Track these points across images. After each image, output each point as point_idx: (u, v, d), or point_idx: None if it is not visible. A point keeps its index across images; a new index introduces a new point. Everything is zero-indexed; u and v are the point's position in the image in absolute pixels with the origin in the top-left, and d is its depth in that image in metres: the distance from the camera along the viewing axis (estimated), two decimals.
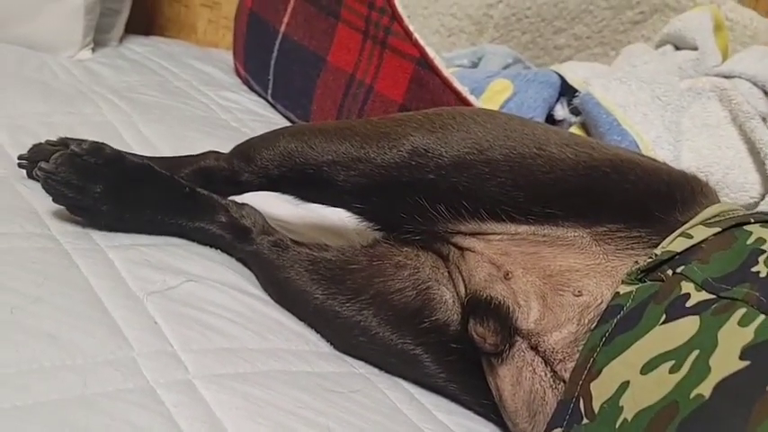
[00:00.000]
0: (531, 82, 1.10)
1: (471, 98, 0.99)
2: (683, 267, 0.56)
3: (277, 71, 1.18)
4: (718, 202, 0.70)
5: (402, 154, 0.66)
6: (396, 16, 1.02)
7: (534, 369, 0.59)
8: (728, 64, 1.10)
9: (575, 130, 1.02)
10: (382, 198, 0.68)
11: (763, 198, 0.96)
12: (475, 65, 1.41)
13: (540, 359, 0.59)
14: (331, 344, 0.66)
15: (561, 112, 1.07)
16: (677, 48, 1.19)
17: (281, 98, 1.18)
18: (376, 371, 0.65)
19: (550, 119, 1.08)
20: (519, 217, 0.66)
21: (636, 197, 0.66)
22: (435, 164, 0.66)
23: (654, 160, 0.74)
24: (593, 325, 0.56)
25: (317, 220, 0.86)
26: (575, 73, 1.11)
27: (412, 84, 1.02)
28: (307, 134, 0.71)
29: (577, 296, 0.59)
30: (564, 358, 0.57)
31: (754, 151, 0.98)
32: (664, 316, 0.53)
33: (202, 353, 0.56)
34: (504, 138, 0.68)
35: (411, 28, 1.02)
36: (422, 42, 1.01)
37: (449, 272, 0.68)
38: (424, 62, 1.01)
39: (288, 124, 1.18)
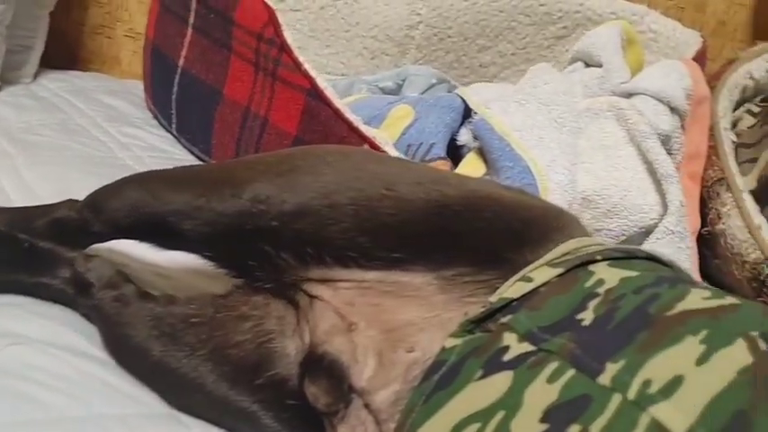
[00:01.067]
0: (433, 107, 1.07)
1: (363, 128, 0.97)
2: (509, 317, 0.54)
3: (178, 105, 1.15)
4: (581, 236, 0.67)
5: (243, 201, 0.64)
6: (284, 47, 1.00)
7: (366, 429, 0.56)
8: (634, 81, 1.08)
9: (473, 156, 0.99)
10: (229, 246, 0.66)
11: (661, 218, 0.93)
12: (399, 86, 1.39)
13: (372, 419, 0.56)
14: (168, 403, 0.62)
15: (465, 136, 1.05)
16: (587, 65, 1.17)
17: (184, 133, 1.16)
18: (215, 430, 0.61)
19: (453, 144, 1.05)
20: (366, 263, 0.63)
21: (488, 237, 0.63)
22: (278, 211, 0.63)
23: (522, 194, 0.71)
24: (417, 382, 0.53)
25: (190, 263, 0.83)
26: (480, 95, 1.08)
27: (304, 115, 0.99)
28: (152, 182, 0.69)
29: (409, 352, 0.56)
30: (387, 418, 0.54)
31: (652, 171, 0.95)
32: (480, 371, 0.50)
33: (10, 426, 0.53)
34: (354, 179, 0.66)
35: (301, 59, 0.99)
36: (312, 73, 0.99)
37: (298, 321, 0.65)
38: (315, 93, 0.98)
39: (192, 160, 1.16)
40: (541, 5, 1.43)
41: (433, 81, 1.37)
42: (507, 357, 0.50)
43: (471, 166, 0.97)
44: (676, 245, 0.91)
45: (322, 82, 0.99)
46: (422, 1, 1.43)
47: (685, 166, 1.10)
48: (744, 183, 1.09)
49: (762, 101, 1.23)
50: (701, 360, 0.43)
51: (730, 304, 0.50)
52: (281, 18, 1.01)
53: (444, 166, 1.04)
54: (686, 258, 0.92)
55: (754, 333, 0.45)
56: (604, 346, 0.48)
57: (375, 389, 0.55)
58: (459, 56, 1.47)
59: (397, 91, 1.38)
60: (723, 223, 1.02)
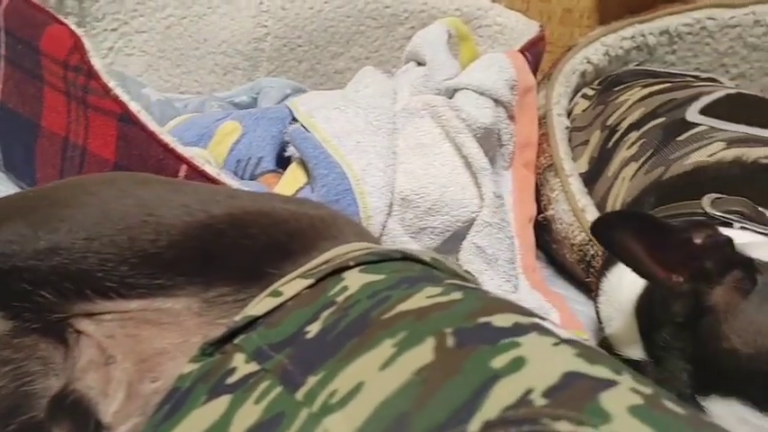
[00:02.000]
0: (260, 120, 1.06)
1: (180, 149, 0.95)
2: (242, 336, 0.53)
3: (2, 141, 1.11)
4: (359, 241, 0.66)
5: None
6: (92, 73, 0.97)
7: None
8: (459, 76, 1.09)
9: (294, 166, 0.98)
10: None
11: (480, 210, 0.94)
12: (254, 100, 1.38)
13: None
14: None
15: (292, 148, 1.04)
16: (419, 64, 1.17)
17: (10, 169, 1.12)
18: None
19: (281, 156, 1.04)
20: (128, 292, 0.61)
21: (252, 253, 0.62)
22: (32, 249, 0.61)
23: (300, 205, 0.71)
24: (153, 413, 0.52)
25: None
26: (309, 104, 1.08)
27: (119, 141, 0.97)
28: None
29: (153, 382, 0.55)
30: None
31: (469, 166, 0.96)
32: (205, 397, 0.49)
33: None
34: (115, 208, 0.64)
35: (110, 84, 0.97)
36: (123, 97, 0.97)
37: (65, 360, 0.63)
38: (127, 117, 0.96)
39: None
40: (387, 8, 1.44)
41: (288, 92, 1.37)
42: (231, 380, 0.49)
43: (293, 177, 0.96)
44: (495, 236, 0.92)
45: (135, 106, 0.96)
46: (267, 13, 1.42)
47: (519, 155, 1.12)
48: (575, 166, 1.10)
49: (598, 84, 1.25)
50: (386, 364, 0.43)
51: (448, 300, 0.50)
52: (87, 44, 0.98)
53: (275, 179, 1.03)
54: (507, 248, 0.93)
55: (449, 329, 0.45)
56: (314, 358, 0.47)
57: (118, 423, 0.54)
58: (312, 64, 1.47)
59: (252, 105, 1.37)
60: (552, 208, 1.04)
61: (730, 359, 0.64)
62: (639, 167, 0.96)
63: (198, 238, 0.63)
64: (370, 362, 0.44)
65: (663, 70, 1.28)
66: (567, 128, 1.17)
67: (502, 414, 0.38)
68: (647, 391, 0.41)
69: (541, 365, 0.42)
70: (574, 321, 0.92)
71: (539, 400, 0.39)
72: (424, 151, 0.96)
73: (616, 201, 0.96)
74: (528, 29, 1.37)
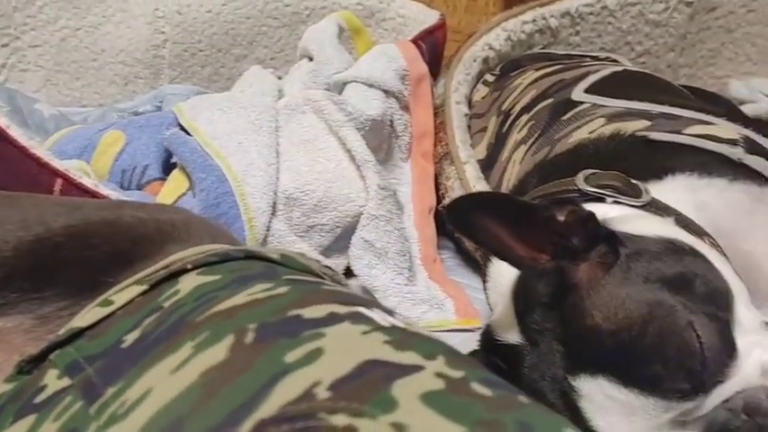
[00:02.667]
0: (144, 127, 1.03)
1: (55, 163, 0.91)
2: (59, 351, 0.50)
3: None
4: (213, 243, 0.64)
5: None
6: None
7: None
8: (349, 70, 1.07)
9: (176, 172, 0.95)
10: None
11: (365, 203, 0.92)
12: (158, 108, 1.34)
13: None
14: None
15: None
16: (311, 59, 1.15)
17: None
18: None
19: (170, 162, 1.01)
20: None
21: (92, 264, 0.59)
22: None
23: (151, 212, 0.68)
24: None
25: None
26: (194, 108, 1.05)
27: None
28: None
29: None
30: None
31: (354, 159, 0.94)
32: (11, 418, 0.46)
33: None
34: None
35: None
36: None
37: None
38: None
39: None
40: (287, 6, 1.42)
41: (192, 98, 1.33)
42: (40, 398, 0.46)
43: (175, 184, 0.93)
44: (382, 229, 0.90)
45: (4, 121, 0.93)
46: (163, 19, 1.38)
47: (417, 145, 1.10)
48: (474, 153, 1.09)
49: (498, 70, 1.24)
50: (178, 367, 0.41)
51: (267, 296, 0.48)
52: None
53: (162, 186, 1.00)
54: (397, 240, 0.91)
55: (252, 325, 0.43)
56: (119, 368, 0.44)
57: None
58: (216, 68, 1.44)
59: None
60: (449, 197, 1.02)
61: (594, 336, 0.62)
62: (528, 149, 0.95)
63: (33, 253, 0.60)
64: (166, 366, 0.41)
65: (562, 53, 1.28)
66: (467, 115, 1.15)
67: (280, 410, 0.36)
68: (456, 374, 0.39)
69: (338, 356, 0.40)
70: (469, 310, 0.90)
71: (322, 393, 0.36)
72: (308, 147, 0.93)
73: (508, 185, 0.95)
74: (431, 19, 1.36)
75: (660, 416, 0.61)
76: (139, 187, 1.00)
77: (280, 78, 1.17)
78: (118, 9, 1.39)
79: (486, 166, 1.07)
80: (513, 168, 0.96)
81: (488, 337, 0.75)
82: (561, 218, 0.66)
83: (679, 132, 0.82)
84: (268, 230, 0.89)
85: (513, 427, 0.36)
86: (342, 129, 0.93)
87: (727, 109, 1.34)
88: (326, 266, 0.66)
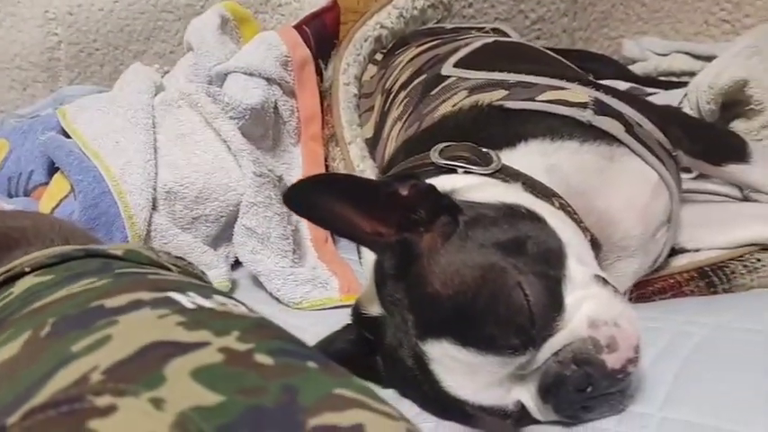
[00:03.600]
0: (28, 133, 1.04)
1: None
2: None
3: None
4: (66, 245, 0.66)
5: None
6: None
7: None
8: (229, 60, 1.08)
9: (58, 175, 0.96)
10: None
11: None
12: None
13: None
14: None
15: None
16: None
17: None
18: None
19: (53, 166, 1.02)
20: None
21: None
22: None
23: (6, 218, 0.69)
24: None
25: None
26: (78, 109, 1.05)
27: None
28: None
29: None
30: None
31: (237, 149, 0.96)
32: None
33: None
34: None
35: None
36: None
37: None
38: None
39: None
40: None
41: None
42: None
43: (57, 187, 0.94)
44: (262, 215, 0.92)
45: None
46: (55, 20, 1.38)
47: (305, 130, 1.12)
48: (361, 133, 1.11)
49: (387, 49, 1.26)
50: None
51: (83, 290, 0.50)
52: None
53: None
54: (278, 224, 0.93)
55: (52, 319, 0.45)
56: None
57: None
58: (116, 66, 1.43)
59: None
60: None
61: (435, 302, 0.66)
62: (402, 126, 0.98)
63: None
64: None
65: (451, 26, 1.30)
66: (356, 95, 1.18)
67: (51, 397, 0.38)
68: (243, 347, 0.42)
69: (123, 341, 0.42)
70: (353, 286, 0.93)
71: (96, 377, 0.39)
72: (185, 141, 0.95)
73: (383, 162, 0.98)
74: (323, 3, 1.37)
75: (499, 371, 0.65)
76: (27, 193, 1.01)
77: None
78: (8, 14, 1.38)
79: (373, 144, 1.09)
80: (391, 146, 0.99)
81: (356, 310, 0.78)
82: (404, 192, 0.69)
83: (532, 99, 0.85)
84: (150, 226, 0.90)
85: (277, 392, 0.39)
86: (216, 120, 0.94)
87: (615, 70, 1.39)
88: (179, 258, 0.68)
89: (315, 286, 0.91)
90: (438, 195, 0.70)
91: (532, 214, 0.71)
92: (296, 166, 1.09)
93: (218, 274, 0.92)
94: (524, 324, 0.63)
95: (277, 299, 0.92)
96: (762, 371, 0.70)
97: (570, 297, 0.66)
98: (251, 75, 1.04)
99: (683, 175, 1.06)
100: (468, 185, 0.74)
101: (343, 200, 0.67)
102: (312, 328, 0.87)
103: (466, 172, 0.78)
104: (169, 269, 0.64)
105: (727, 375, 0.70)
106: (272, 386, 0.39)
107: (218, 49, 1.09)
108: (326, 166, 1.09)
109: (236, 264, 0.99)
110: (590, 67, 1.35)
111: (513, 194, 0.74)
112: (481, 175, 0.77)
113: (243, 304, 0.58)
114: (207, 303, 0.49)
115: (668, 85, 1.34)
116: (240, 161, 0.94)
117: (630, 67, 1.44)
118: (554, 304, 0.65)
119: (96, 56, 1.42)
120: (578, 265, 0.68)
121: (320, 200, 0.66)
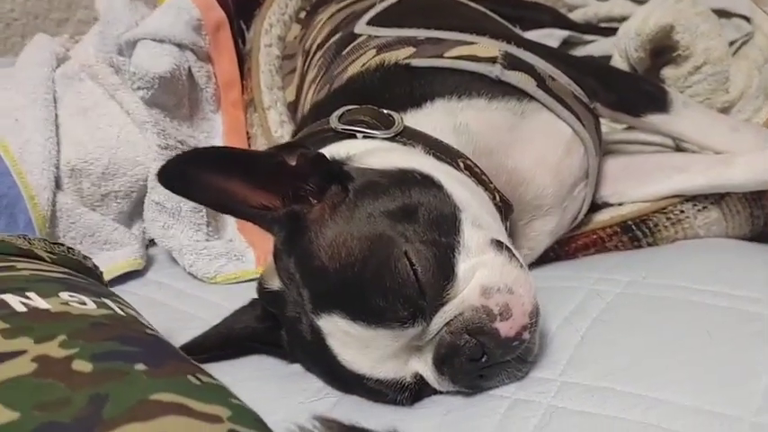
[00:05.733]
0: None
1: None
2: None
3: None
4: None
5: None
6: None
7: None
8: (138, 27, 1.03)
9: None
10: None
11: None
12: None
13: None
14: None
15: None
16: None
17: None
18: None
19: None
20: None
21: None
22: None
23: None
24: None
25: None
26: None
27: None
28: None
29: None
30: None
31: (140, 122, 0.92)
32: None
33: None
34: None
35: None
36: None
37: None
38: None
39: None
40: None
41: None
42: None
43: None
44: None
45: None
46: None
47: (225, 96, 1.08)
48: (282, 97, 1.08)
49: (311, 7, 1.21)
50: None
51: None
52: None
53: None
54: None
55: None
56: None
57: None
58: None
59: None
60: (253, 145, 1.01)
61: (324, 276, 0.63)
62: (315, 88, 0.94)
63: None
64: None
65: None
66: (278, 57, 1.13)
67: None
68: (62, 354, 0.41)
69: None
70: (270, 257, 0.90)
71: None
72: (88, 115, 0.91)
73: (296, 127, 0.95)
74: None
75: (392, 344, 0.62)
76: None
77: None
78: None
79: (295, 108, 1.06)
80: (305, 109, 0.95)
81: (260, 285, 0.75)
82: (292, 162, 0.66)
83: (440, 56, 0.81)
84: (54, 206, 0.87)
85: (81, 404, 0.37)
86: (118, 92, 0.91)
87: (552, 17, 1.35)
88: (59, 244, 0.65)
89: (230, 259, 0.89)
90: (327, 164, 0.67)
91: (427, 179, 0.68)
92: (216, 134, 1.05)
93: (130, 252, 0.89)
94: (412, 295, 0.61)
95: (191, 274, 0.89)
96: (670, 329, 0.68)
97: (463, 264, 0.63)
98: (161, 41, 0.99)
99: (614, 126, 1.04)
100: (366, 150, 0.71)
101: (225, 174, 0.64)
102: (227, 303, 0.85)
103: (365, 136, 0.75)
104: (42, 258, 0.61)
105: (635, 336, 0.68)
106: (77, 397, 0.37)
107: (128, 15, 1.04)
108: (246, 133, 1.06)
109: (154, 240, 0.96)
110: (528, 15, 1.31)
111: (412, 158, 0.71)
112: (381, 139, 0.74)
113: (115, 297, 0.56)
114: (43, 304, 0.47)
115: (608, 32, 1.30)
116: (144, 134, 0.90)
117: (571, 14, 1.40)
118: (444, 273, 0.62)
119: (15, 26, 1.36)
120: (474, 230, 0.65)
121: (199, 176, 0.63)
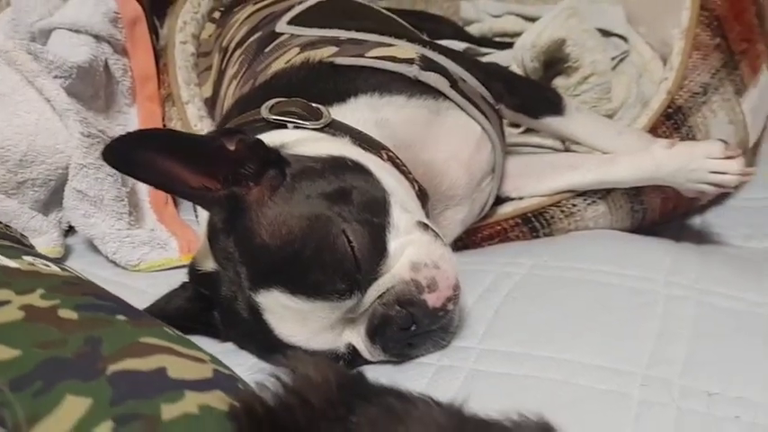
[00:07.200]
0: None
1: None
2: None
3: None
4: None
5: None
6: None
7: None
8: (54, 16, 1.02)
9: None
10: None
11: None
12: None
13: None
14: None
15: None
16: None
17: None
18: None
19: None
20: None
21: None
22: None
23: None
24: None
25: None
26: None
27: None
28: None
29: None
30: None
31: (61, 109, 0.92)
32: None
33: None
34: None
35: None
36: None
37: None
38: None
39: None
40: None
41: None
42: None
43: None
44: (93, 177, 0.89)
45: None
46: None
47: (140, 89, 1.09)
48: (199, 92, 1.10)
49: (226, 6, 1.24)
50: None
51: None
52: None
53: None
54: (111, 186, 0.90)
55: None
56: None
57: None
58: None
59: None
60: None
61: (264, 253, 0.67)
62: (237, 84, 0.97)
63: None
64: None
65: None
66: (194, 54, 1.15)
67: None
68: (46, 304, 0.42)
69: None
70: (193, 246, 0.92)
71: None
72: (5, 101, 0.90)
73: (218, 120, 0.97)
74: None
75: (328, 316, 0.67)
76: None
77: None
78: None
79: (212, 104, 1.08)
80: (227, 104, 0.98)
81: (192, 267, 0.78)
82: (231, 147, 0.69)
83: (362, 56, 0.87)
84: None
85: (78, 343, 0.39)
86: (37, 79, 0.90)
87: (453, 30, 1.44)
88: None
89: (153, 248, 0.90)
90: (265, 149, 0.71)
91: (358, 166, 0.73)
92: (132, 126, 1.06)
93: (48, 240, 0.89)
94: (349, 269, 0.66)
95: (114, 262, 0.90)
96: (571, 303, 0.77)
97: (394, 243, 0.69)
98: (77, 31, 0.99)
99: (512, 130, 1.14)
100: (297, 140, 0.76)
101: (168, 155, 0.66)
102: (152, 290, 0.86)
103: (296, 127, 0.79)
104: None
105: (542, 309, 0.76)
106: (72, 339, 0.39)
107: (41, 3, 1.03)
108: (164, 127, 1.07)
109: (72, 229, 0.96)
110: (429, 27, 1.39)
111: (341, 147, 0.76)
112: (311, 129, 0.79)
113: (59, 265, 0.57)
114: (13, 264, 0.48)
115: (502, 46, 1.41)
116: (66, 121, 0.90)
117: (468, 28, 1.50)
118: (378, 250, 0.68)
119: None
120: (402, 213, 0.72)
121: (143, 156, 0.65)
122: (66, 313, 0.41)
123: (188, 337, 0.77)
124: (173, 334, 0.45)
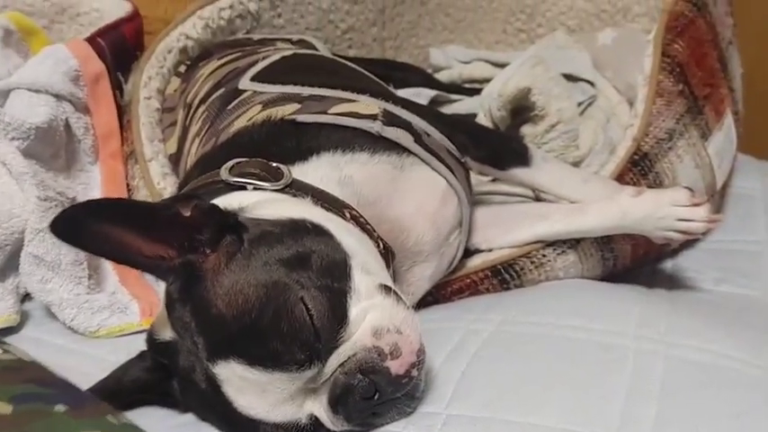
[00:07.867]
0: None
1: None
2: None
3: None
4: None
5: None
6: None
7: None
8: (12, 76, 1.01)
9: None
10: None
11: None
12: None
13: None
14: None
15: None
16: None
17: None
18: None
19: None
20: None
21: None
22: None
23: None
24: None
25: None
26: None
27: None
28: None
29: None
30: None
31: (17, 173, 0.90)
32: None
33: None
34: None
35: None
36: None
37: None
38: None
39: None
40: None
41: None
42: None
43: None
44: (50, 241, 0.87)
45: None
46: None
47: (103, 147, 1.08)
48: (163, 149, 1.08)
49: (191, 60, 1.23)
50: None
51: None
52: None
53: None
54: (69, 250, 0.88)
55: None
56: None
57: None
58: None
59: None
60: (135, 196, 1.01)
61: (220, 324, 0.65)
62: (200, 142, 0.96)
63: None
64: None
65: (258, 37, 1.30)
66: (158, 109, 1.14)
67: None
68: None
69: None
70: (155, 309, 0.90)
71: None
72: None
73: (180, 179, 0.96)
74: (123, 10, 1.32)
75: (288, 387, 0.65)
76: None
77: None
78: None
79: (177, 160, 1.06)
80: (190, 162, 0.97)
81: (150, 336, 0.75)
82: (186, 213, 0.68)
83: (324, 112, 0.86)
84: None
85: None
86: None
87: (422, 78, 1.45)
88: None
89: (113, 312, 0.88)
90: (222, 214, 0.69)
91: (318, 228, 0.72)
92: (94, 185, 1.04)
93: (3, 308, 0.86)
94: (308, 338, 0.64)
95: (72, 328, 0.87)
96: (540, 360, 0.75)
97: (355, 308, 0.68)
98: (37, 91, 0.98)
99: (481, 178, 1.13)
100: (257, 202, 0.74)
101: (119, 225, 0.64)
102: (112, 357, 0.84)
103: (256, 188, 0.78)
104: None
105: (510, 367, 0.75)
106: None
107: (0, 63, 1.01)
108: (127, 185, 1.05)
109: (29, 295, 0.93)
110: (398, 75, 1.40)
111: (302, 209, 0.75)
112: (271, 191, 0.77)
113: (2, 347, 0.55)
114: None
115: (471, 92, 1.41)
116: (22, 185, 0.88)
117: (437, 75, 1.50)
118: (338, 316, 0.66)
119: None
120: (364, 276, 0.70)
121: (93, 227, 0.63)
122: (1, 407, 0.39)
123: (145, 408, 0.76)
124: (115, 423, 0.43)
